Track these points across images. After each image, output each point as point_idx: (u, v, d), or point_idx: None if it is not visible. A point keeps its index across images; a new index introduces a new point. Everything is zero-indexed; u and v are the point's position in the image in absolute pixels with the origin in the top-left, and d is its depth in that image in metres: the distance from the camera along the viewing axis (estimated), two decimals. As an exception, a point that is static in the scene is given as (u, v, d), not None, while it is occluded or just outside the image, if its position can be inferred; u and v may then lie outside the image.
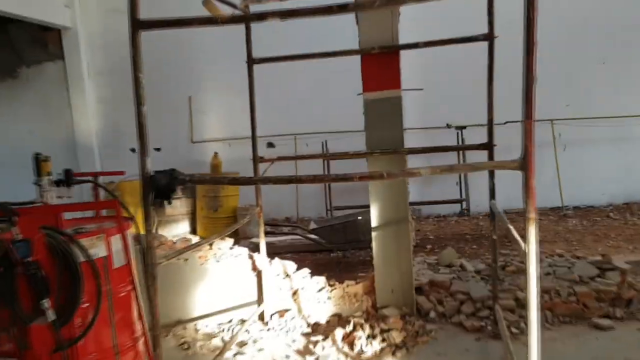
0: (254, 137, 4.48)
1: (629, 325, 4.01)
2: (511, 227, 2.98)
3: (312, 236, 6.73)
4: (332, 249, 6.84)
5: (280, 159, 4.68)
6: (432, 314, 4.42)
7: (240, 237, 8.33)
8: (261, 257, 4.67)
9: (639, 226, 8.10)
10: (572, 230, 8.19)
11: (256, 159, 4.40)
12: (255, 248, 7.70)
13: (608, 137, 10.38)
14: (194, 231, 9.23)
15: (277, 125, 10.65)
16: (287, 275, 4.78)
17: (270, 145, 11.38)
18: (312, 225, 7.32)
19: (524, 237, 2.47)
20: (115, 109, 11.63)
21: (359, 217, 6.38)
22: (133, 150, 11.47)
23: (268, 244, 7.89)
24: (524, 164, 2.38)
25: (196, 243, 3.60)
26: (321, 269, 6.73)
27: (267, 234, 7.92)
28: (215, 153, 9.31)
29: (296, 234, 7.07)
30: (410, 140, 10.72)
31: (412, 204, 10.84)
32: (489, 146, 4.10)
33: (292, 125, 10.62)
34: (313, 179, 2.59)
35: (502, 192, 10.58)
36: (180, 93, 11.02)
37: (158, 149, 11.52)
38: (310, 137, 10.67)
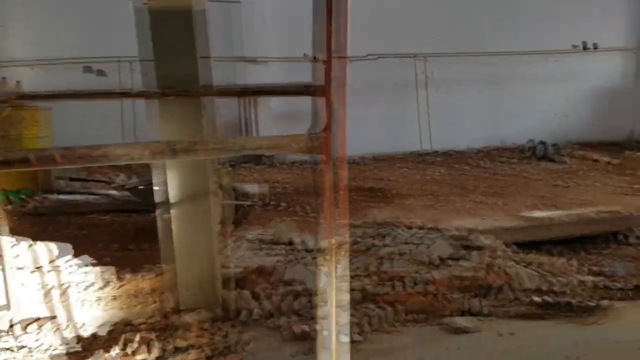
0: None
1: (493, 325, 3.26)
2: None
3: (121, 195, 5.31)
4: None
5: None
6: (254, 315, 3.34)
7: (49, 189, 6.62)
8: (4, 241, 3.20)
9: (508, 177, 7.75)
10: (438, 181, 7.62)
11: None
12: (58, 208, 6.12)
13: (478, 77, 9.93)
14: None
15: (102, 47, 8.67)
16: (53, 267, 3.38)
17: (100, 73, 9.37)
18: (132, 181, 5.89)
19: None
20: None
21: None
22: None
23: (74, 203, 6.37)
24: (319, 144, 1.24)
25: None
26: (140, 237, 5.39)
27: (60, 192, 6.35)
28: (4, 78, 7.21)
29: (94, 194, 5.57)
30: (275, 74, 9.48)
31: (273, 147, 9.70)
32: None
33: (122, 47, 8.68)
34: None
35: (370, 136, 9.87)
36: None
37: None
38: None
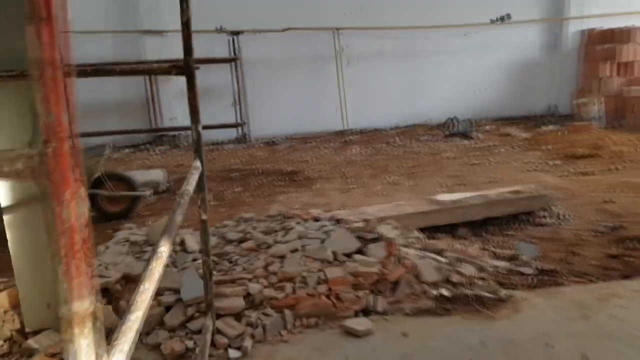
0: None
1: (393, 324, 2.98)
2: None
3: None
4: None
5: None
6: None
7: None
8: None
9: (420, 155, 7.61)
10: (358, 163, 7.36)
11: None
12: None
13: (397, 52, 9.73)
14: None
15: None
16: None
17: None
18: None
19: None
20: None
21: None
22: None
23: None
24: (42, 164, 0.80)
25: None
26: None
27: None
28: None
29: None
30: (177, 47, 8.80)
31: (177, 129, 9.04)
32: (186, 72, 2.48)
33: None
34: None
35: (293, 115, 9.45)
36: None
37: None
38: None
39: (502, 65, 10.33)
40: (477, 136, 8.67)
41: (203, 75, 9.18)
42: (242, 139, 9.03)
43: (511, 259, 4.13)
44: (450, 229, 4.71)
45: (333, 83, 9.20)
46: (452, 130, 8.86)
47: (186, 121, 9.28)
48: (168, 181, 6.30)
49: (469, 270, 3.51)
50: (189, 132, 8.52)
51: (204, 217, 2.67)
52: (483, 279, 3.56)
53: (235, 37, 8.57)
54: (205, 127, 8.78)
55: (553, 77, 10.45)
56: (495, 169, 6.71)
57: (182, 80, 8.32)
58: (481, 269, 3.73)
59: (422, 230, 4.52)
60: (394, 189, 5.96)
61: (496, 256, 4.18)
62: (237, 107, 8.92)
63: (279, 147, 8.52)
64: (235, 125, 8.93)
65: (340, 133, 9.32)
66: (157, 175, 6.09)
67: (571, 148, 7.33)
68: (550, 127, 9.10)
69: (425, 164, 7.09)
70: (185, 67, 2.51)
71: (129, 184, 5.17)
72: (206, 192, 2.69)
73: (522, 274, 3.82)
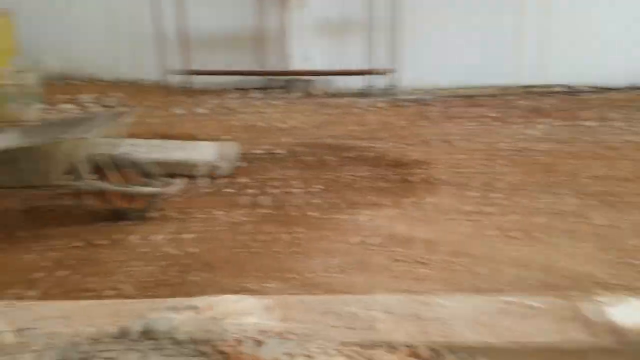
0: None
1: None
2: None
3: None
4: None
5: None
6: None
7: None
8: None
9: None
10: (520, 153, 4.86)
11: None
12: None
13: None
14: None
15: None
16: None
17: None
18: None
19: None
20: None
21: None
22: None
23: None
24: None
25: None
26: None
27: None
28: None
29: None
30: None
31: (311, 73, 7.11)
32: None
33: None
34: None
35: (464, 58, 6.88)
36: None
37: None
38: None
39: None
40: None
41: (341, 1, 7.20)
42: (388, 91, 6.94)
43: None
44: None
45: (532, 12, 6.34)
46: None
47: (326, 63, 7.54)
48: (237, 159, 4.82)
49: None
50: (330, 77, 6.50)
51: None
52: None
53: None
54: (331, 74, 6.70)
55: None
56: None
57: (321, 5, 6.30)
58: None
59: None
60: (563, 228, 3.43)
61: None
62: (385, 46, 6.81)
63: (430, 111, 6.18)
64: (377, 73, 6.86)
65: (533, 90, 6.49)
66: (221, 151, 4.69)
67: None
68: None
69: (628, 179, 4.19)
70: None
71: (142, 172, 3.89)
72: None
73: None
